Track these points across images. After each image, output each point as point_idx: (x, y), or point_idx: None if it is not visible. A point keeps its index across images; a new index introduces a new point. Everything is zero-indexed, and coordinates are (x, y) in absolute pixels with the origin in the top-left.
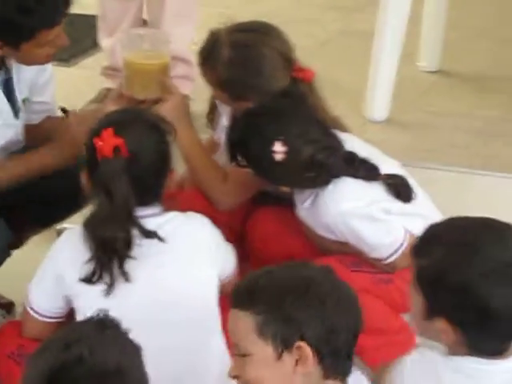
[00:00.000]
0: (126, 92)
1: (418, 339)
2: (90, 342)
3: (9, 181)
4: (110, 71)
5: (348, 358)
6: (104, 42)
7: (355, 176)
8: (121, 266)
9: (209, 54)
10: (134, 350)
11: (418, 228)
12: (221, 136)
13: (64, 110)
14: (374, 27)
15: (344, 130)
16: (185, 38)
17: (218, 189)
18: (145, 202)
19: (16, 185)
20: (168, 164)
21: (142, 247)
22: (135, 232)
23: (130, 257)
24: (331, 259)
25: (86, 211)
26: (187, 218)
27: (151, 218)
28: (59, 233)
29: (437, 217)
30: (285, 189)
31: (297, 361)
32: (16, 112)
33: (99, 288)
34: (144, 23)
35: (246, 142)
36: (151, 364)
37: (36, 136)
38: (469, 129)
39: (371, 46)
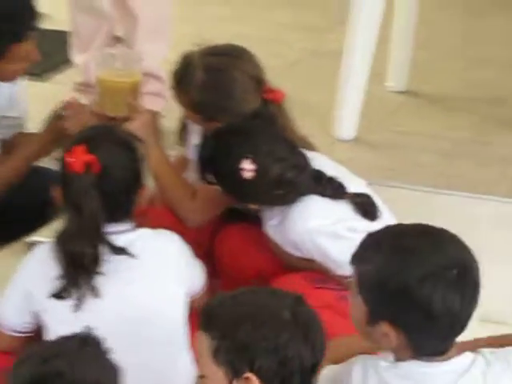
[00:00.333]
0: (96, 109)
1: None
2: (69, 357)
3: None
4: (82, 87)
5: None
6: (77, 58)
7: (322, 194)
8: (89, 282)
9: (182, 77)
10: (113, 369)
11: None
12: (191, 153)
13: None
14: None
15: (312, 148)
16: (157, 55)
17: (186, 206)
18: (115, 218)
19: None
20: (139, 181)
21: (111, 263)
22: (105, 248)
23: (98, 272)
24: (297, 276)
25: (56, 224)
26: (157, 235)
27: (121, 234)
28: (30, 245)
29: None
30: (253, 206)
31: None
32: None
33: (68, 303)
34: (117, 40)
35: (215, 159)
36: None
37: (9, 151)
38: (436, 149)
39: (339, 65)
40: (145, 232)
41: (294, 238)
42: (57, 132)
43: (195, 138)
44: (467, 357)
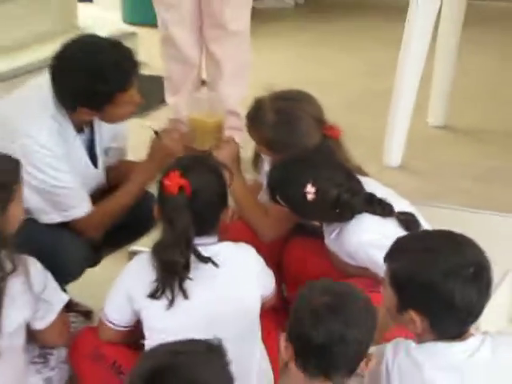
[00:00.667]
0: (186, 143)
1: None
2: (193, 357)
3: (115, 216)
4: (174, 122)
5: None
6: (169, 99)
7: (374, 213)
8: (180, 285)
9: (254, 118)
10: (229, 380)
11: None
12: (263, 178)
13: (156, 132)
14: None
15: (365, 174)
16: (237, 96)
17: (261, 224)
18: (203, 232)
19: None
20: (224, 202)
21: (198, 270)
22: (193, 257)
23: (188, 278)
24: (353, 281)
25: (154, 235)
26: (237, 247)
27: (208, 246)
28: (131, 253)
29: None
30: (315, 222)
31: None
32: (95, 163)
33: (162, 303)
34: (203, 83)
35: (283, 184)
36: None
37: (113, 176)
38: (470, 175)
39: (389, 104)
40: (227, 245)
41: (350, 249)
42: (160, 159)
43: (266, 165)
44: (478, 338)
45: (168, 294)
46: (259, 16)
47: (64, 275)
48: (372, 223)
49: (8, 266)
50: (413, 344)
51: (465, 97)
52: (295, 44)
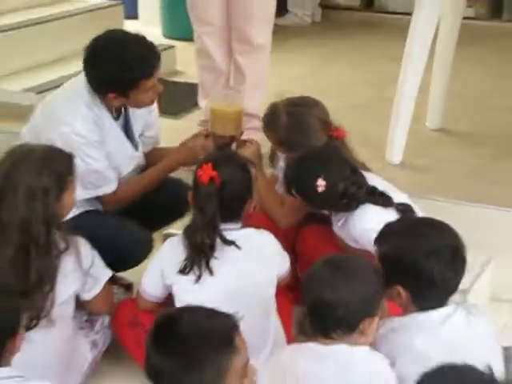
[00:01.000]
0: (210, 130)
1: None
2: (197, 311)
3: (146, 187)
4: (204, 123)
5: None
6: (201, 102)
7: (375, 203)
8: (207, 264)
9: (270, 121)
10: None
11: None
12: (279, 173)
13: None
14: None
15: (368, 170)
16: (257, 101)
17: (278, 212)
18: (229, 219)
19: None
20: (249, 193)
21: (223, 251)
22: (219, 240)
23: (214, 257)
24: None
25: (185, 220)
26: (258, 233)
27: (232, 231)
28: (165, 236)
29: None
30: (325, 211)
31: None
32: (136, 146)
33: (190, 278)
34: (230, 89)
35: (297, 178)
36: None
37: (147, 161)
38: (462, 171)
39: (391, 109)
40: (249, 230)
41: (355, 235)
42: (191, 148)
43: (281, 161)
44: (451, 307)
45: (196, 270)
46: (280, 32)
47: (133, 258)
48: (374, 213)
49: (62, 245)
50: (396, 318)
51: (458, 104)
52: (311, 57)
